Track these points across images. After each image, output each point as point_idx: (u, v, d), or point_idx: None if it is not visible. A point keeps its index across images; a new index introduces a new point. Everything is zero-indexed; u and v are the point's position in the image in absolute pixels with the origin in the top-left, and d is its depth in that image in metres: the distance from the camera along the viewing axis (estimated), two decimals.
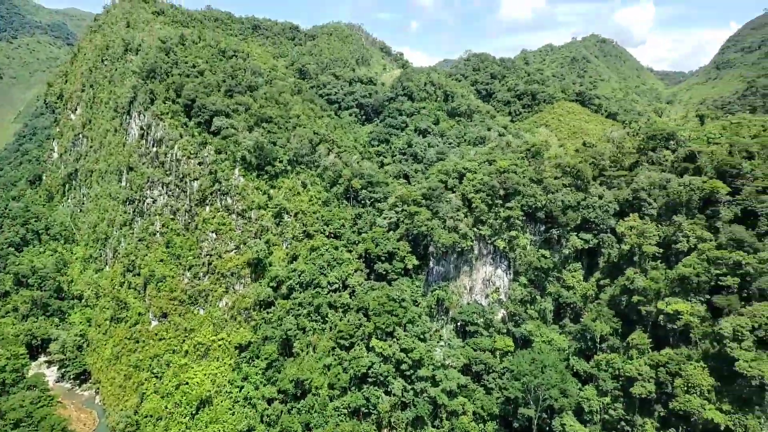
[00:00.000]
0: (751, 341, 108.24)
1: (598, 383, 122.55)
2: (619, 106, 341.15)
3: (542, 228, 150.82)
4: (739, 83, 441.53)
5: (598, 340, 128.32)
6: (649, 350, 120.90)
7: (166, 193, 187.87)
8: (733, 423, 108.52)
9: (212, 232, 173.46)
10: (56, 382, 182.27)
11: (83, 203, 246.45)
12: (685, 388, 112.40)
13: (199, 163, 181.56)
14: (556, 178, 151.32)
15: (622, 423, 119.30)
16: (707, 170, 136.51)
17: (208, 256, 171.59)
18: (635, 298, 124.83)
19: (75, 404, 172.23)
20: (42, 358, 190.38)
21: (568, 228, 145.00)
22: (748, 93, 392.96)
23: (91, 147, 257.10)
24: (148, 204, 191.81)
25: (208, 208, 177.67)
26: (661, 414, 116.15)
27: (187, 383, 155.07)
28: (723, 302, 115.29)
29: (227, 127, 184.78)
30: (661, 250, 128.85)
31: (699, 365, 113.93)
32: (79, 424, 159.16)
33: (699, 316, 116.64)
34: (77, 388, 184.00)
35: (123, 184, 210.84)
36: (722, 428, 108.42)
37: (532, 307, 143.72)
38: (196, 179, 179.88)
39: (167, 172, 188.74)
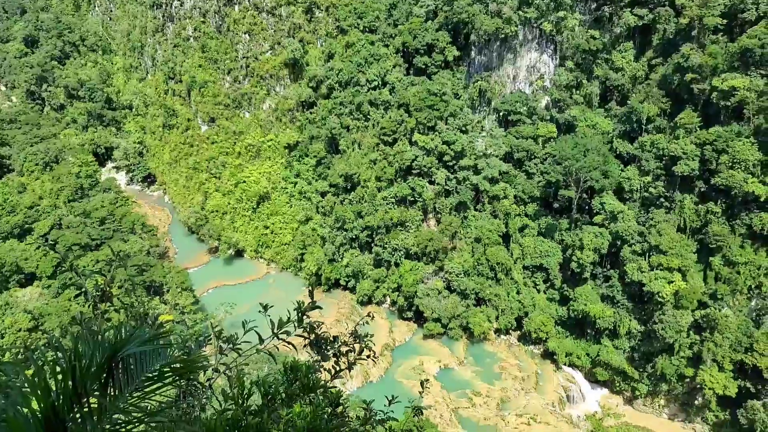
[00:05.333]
0: None
1: (641, 164, 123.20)
2: None
3: (593, 6, 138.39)
4: None
5: (644, 122, 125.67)
6: (698, 129, 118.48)
7: None
8: None
9: (245, 33, 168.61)
10: (127, 185, 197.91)
11: (111, 10, 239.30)
12: (730, 164, 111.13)
13: None
14: None
15: (662, 199, 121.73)
16: None
17: (245, 59, 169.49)
18: (689, 77, 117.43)
19: (148, 203, 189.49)
20: (109, 165, 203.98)
21: (622, 3, 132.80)
22: None
23: None
24: (176, 7, 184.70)
25: (237, 7, 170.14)
26: (702, 189, 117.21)
27: (244, 182, 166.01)
28: None
29: None
30: (725, 21, 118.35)
31: (748, 141, 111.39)
32: (155, 219, 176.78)
33: (757, 91, 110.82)
34: (147, 189, 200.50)
35: None
36: (762, 199, 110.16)
37: (578, 92, 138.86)
38: None
39: None
